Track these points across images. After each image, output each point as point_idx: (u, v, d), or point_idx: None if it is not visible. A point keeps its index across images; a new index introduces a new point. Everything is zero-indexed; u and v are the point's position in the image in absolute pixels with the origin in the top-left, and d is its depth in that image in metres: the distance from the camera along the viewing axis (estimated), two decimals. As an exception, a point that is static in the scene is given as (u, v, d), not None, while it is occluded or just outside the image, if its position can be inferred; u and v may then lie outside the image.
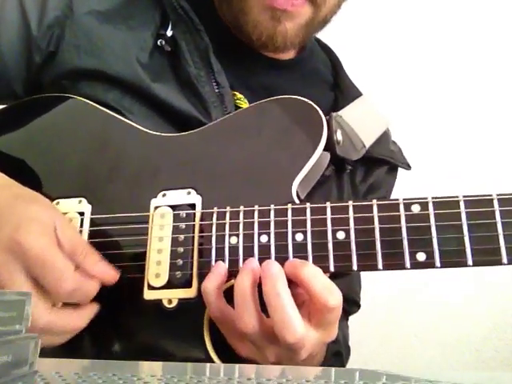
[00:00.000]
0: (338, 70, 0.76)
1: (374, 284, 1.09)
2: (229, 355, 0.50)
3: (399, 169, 0.75)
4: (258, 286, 0.47)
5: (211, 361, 0.50)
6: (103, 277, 0.50)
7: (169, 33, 0.63)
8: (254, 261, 0.48)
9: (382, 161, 0.70)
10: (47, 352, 0.38)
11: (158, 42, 0.63)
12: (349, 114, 0.65)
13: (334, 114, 0.64)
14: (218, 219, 0.52)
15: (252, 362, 0.50)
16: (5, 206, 0.48)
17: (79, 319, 0.49)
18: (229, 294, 0.52)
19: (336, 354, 0.64)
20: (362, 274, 0.75)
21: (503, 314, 1.25)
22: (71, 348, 0.52)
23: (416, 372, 0.38)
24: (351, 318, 0.74)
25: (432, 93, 1.32)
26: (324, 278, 0.46)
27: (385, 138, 0.70)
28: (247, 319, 0.45)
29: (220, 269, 0.48)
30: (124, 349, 0.53)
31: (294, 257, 0.48)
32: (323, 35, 0.74)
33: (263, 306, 0.46)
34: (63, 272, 0.46)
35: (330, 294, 0.45)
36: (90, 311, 0.50)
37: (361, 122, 0.65)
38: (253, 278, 0.46)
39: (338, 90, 0.73)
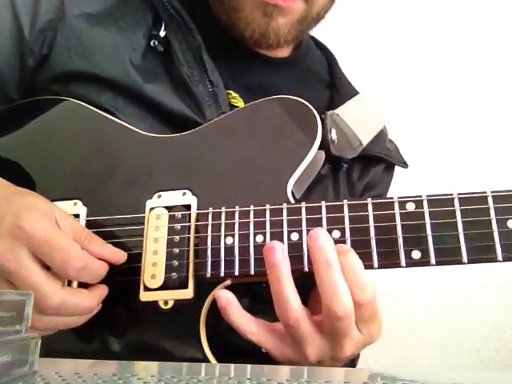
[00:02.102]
0: (333, 68, 0.76)
1: (373, 284, 1.09)
2: (224, 355, 0.50)
3: (395, 167, 0.75)
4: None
5: (208, 361, 0.50)
6: (112, 257, 0.51)
7: (161, 33, 0.63)
8: (277, 248, 0.46)
9: (379, 159, 0.70)
10: (47, 352, 0.38)
11: (151, 43, 0.63)
12: (346, 111, 0.65)
13: (330, 111, 0.64)
14: (213, 220, 0.52)
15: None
16: (2, 200, 0.48)
17: (91, 298, 0.49)
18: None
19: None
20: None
21: (503, 314, 1.25)
22: (71, 348, 0.52)
23: (416, 372, 0.38)
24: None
25: (428, 91, 1.32)
26: (361, 272, 0.45)
27: (381, 136, 0.70)
28: (290, 312, 0.45)
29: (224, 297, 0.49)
30: (122, 349, 0.53)
31: (289, 256, 0.48)
32: (319, 33, 0.74)
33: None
34: (70, 250, 0.46)
35: (361, 290, 0.45)
36: (101, 292, 0.51)
37: (358, 120, 0.65)
38: (285, 265, 0.46)
39: (334, 88, 0.73)
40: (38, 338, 0.34)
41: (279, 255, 0.46)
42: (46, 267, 0.47)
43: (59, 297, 0.46)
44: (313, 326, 0.46)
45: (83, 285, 0.50)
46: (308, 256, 0.48)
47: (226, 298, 0.48)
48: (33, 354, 0.34)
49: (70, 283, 0.50)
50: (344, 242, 0.47)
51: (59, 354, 0.44)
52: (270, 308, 0.47)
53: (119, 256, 0.52)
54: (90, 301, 0.49)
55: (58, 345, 0.49)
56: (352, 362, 0.65)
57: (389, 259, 0.46)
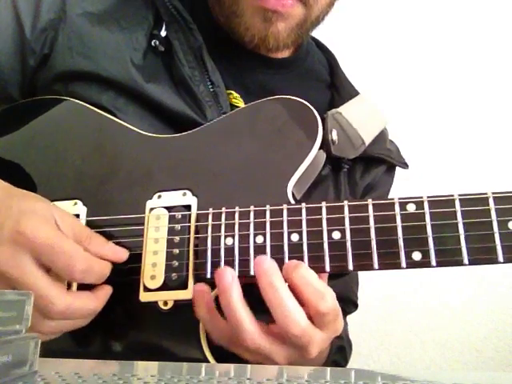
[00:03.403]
0: (334, 69, 0.76)
1: (373, 284, 1.09)
2: (225, 355, 0.50)
3: (396, 168, 0.75)
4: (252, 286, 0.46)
5: (207, 361, 0.50)
6: (114, 256, 0.51)
7: (162, 33, 0.63)
8: (227, 273, 0.47)
9: (380, 160, 0.70)
10: (47, 352, 0.38)
11: (152, 43, 0.63)
12: (348, 110, 0.65)
13: (332, 110, 0.64)
14: (213, 220, 0.52)
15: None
16: (1, 206, 0.48)
17: (96, 300, 0.49)
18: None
19: (340, 348, 0.64)
20: (361, 273, 0.75)
21: (503, 314, 1.25)
22: (71, 348, 0.52)
23: (416, 372, 0.38)
24: (351, 318, 0.74)
25: (428, 92, 1.32)
26: (316, 282, 0.46)
27: (382, 137, 0.70)
28: (246, 335, 0.45)
29: (200, 290, 0.49)
30: (122, 349, 0.53)
31: (289, 257, 0.48)
32: (319, 34, 0.74)
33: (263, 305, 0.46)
34: (73, 253, 0.46)
35: (321, 299, 0.45)
36: (106, 292, 0.51)
37: (360, 119, 0.65)
38: (235, 290, 0.46)
39: (335, 89, 0.73)
40: (38, 338, 0.34)
41: (228, 279, 0.46)
42: (48, 271, 0.47)
43: (65, 302, 0.46)
44: (272, 341, 0.46)
45: (85, 285, 0.50)
46: (308, 257, 0.48)
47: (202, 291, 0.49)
48: (33, 354, 0.34)
49: (69, 284, 0.50)
50: (344, 243, 0.47)
51: (59, 354, 0.44)
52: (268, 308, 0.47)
53: (121, 254, 0.52)
54: (95, 303, 0.49)
55: (58, 345, 0.49)
56: (343, 355, 0.66)
57: (389, 260, 0.46)
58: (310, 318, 0.46)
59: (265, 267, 0.46)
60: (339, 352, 0.64)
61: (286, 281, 0.46)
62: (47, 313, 0.45)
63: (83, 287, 0.50)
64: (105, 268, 0.50)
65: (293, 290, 0.46)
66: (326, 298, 0.45)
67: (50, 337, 0.48)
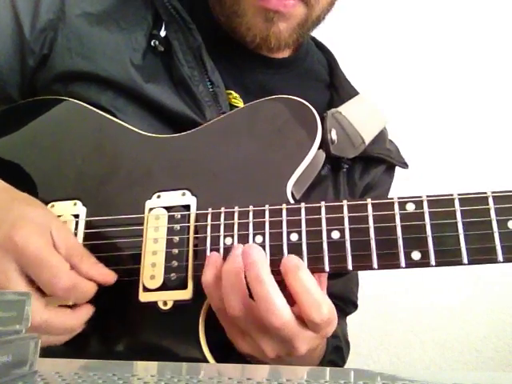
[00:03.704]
0: (334, 69, 0.76)
1: (373, 284, 1.09)
2: (224, 355, 0.50)
3: (396, 168, 0.75)
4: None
5: (206, 361, 0.50)
6: (101, 278, 0.50)
7: (162, 33, 0.63)
8: (254, 247, 0.47)
9: (380, 159, 0.70)
10: (47, 352, 0.38)
11: (152, 43, 0.63)
12: (347, 110, 0.65)
13: (332, 110, 0.64)
14: (212, 220, 0.52)
15: (253, 361, 0.50)
16: (2, 208, 0.48)
17: (75, 319, 0.49)
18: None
19: (336, 348, 0.64)
20: (361, 273, 0.75)
21: (503, 314, 1.25)
22: (71, 348, 0.52)
23: (416, 372, 0.38)
24: (350, 318, 0.74)
25: (428, 92, 1.32)
26: (315, 289, 0.45)
27: (382, 136, 0.70)
28: (234, 302, 0.45)
29: (213, 258, 0.48)
30: (121, 349, 0.53)
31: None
32: (319, 34, 0.74)
33: None
34: (58, 270, 0.46)
35: (317, 310, 0.44)
36: (86, 312, 0.50)
37: (359, 119, 0.65)
38: (239, 262, 0.46)
39: (334, 89, 0.73)
40: (38, 338, 0.34)
41: (257, 254, 0.46)
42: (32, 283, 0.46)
43: (41, 317, 0.46)
44: (259, 328, 0.46)
45: None
46: (308, 257, 0.47)
47: None
48: (33, 354, 0.34)
49: None
50: (343, 242, 0.47)
51: (59, 354, 0.44)
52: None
53: (109, 278, 0.51)
54: (74, 321, 0.49)
55: (58, 345, 0.49)
56: (340, 355, 0.65)
57: (388, 260, 0.46)
58: (298, 315, 0.46)
59: (254, 258, 0.45)
60: (335, 352, 0.64)
61: (283, 278, 0.46)
62: None
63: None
64: (90, 289, 0.49)
65: (288, 290, 0.45)
66: (322, 308, 0.45)
67: None
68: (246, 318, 0.46)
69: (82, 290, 0.49)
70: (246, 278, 0.46)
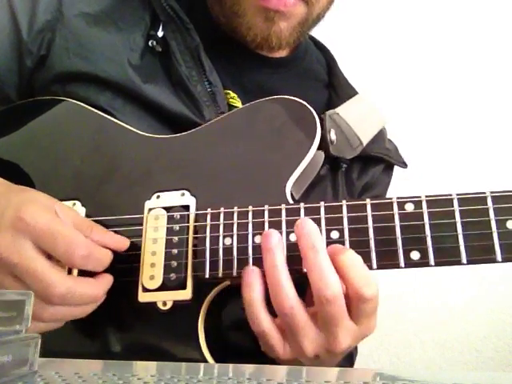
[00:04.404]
0: (333, 68, 0.76)
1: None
2: (223, 355, 0.50)
3: (394, 167, 0.75)
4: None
5: (206, 361, 0.49)
6: (115, 244, 0.51)
7: (160, 33, 0.63)
8: (274, 234, 0.47)
9: (378, 159, 0.70)
10: (47, 352, 0.38)
11: (149, 43, 0.63)
12: (346, 111, 0.65)
13: (330, 111, 0.64)
14: (211, 220, 0.52)
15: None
16: (1, 197, 0.48)
17: (97, 287, 0.49)
18: (223, 297, 0.51)
19: (348, 355, 0.64)
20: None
21: (503, 314, 1.25)
22: (71, 348, 0.52)
23: (416, 372, 0.38)
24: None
25: (427, 91, 1.32)
26: (363, 267, 0.45)
27: (381, 136, 0.70)
28: (284, 298, 0.45)
29: (256, 278, 0.47)
30: (121, 350, 0.53)
31: (287, 257, 0.48)
32: (319, 33, 0.74)
33: None
34: (73, 238, 0.46)
35: (367, 285, 0.44)
36: (107, 280, 0.51)
37: (358, 119, 0.65)
38: (281, 251, 0.46)
39: (333, 88, 0.73)
40: (38, 337, 0.34)
41: (275, 241, 0.46)
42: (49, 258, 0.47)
43: (65, 285, 0.46)
44: (308, 316, 0.46)
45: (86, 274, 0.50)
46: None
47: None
48: (33, 354, 0.34)
49: (69, 273, 0.50)
50: (343, 242, 0.47)
51: (59, 354, 0.44)
52: (269, 309, 0.47)
53: (122, 243, 0.52)
54: (97, 289, 0.49)
55: (58, 345, 0.49)
56: (350, 361, 0.65)
57: (388, 260, 0.46)
58: (347, 307, 0.45)
59: (308, 229, 0.45)
60: (348, 358, 0.63)
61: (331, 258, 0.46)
62: (48, 296, 0.45)
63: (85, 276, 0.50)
64: (105, 255, 0.50)
65: (338, 272, 0.45)
66: (371, 283, 0.45)
67: (50, 326, 0.48)
68: (297, 313, 0.45)
69: (99, 257, 0.49)
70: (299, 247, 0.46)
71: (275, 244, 0.46)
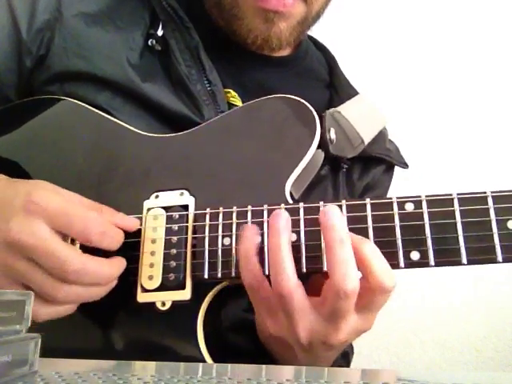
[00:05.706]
0: (333, 68, 0.76)
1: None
2: (222, 355, 0.50)
3: (395, 168, 0.75)
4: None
5: (205, 361, 0.49)
6: (125, 224, 0.51)
7: (159, 32, 0.63)
8: (283, 215, 0.46)
9: (379, 159, 0.70)
10: (47, 352, 0.38)
11: (149, 42, 0.63)
12: (347, 109, 0.65)
13: (331, 109, 0.64)
14: (210, 220, 0.51)
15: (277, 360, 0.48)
16: (8, 188, 0.49)
17: (110, 267, 0.49)
18: (222, 297, 0.51)
19: (344, 354, 0.64)
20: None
21: (503, 314, 1.25)
22: (71, 348, 0.52)
23: (416, 372, 0.38)
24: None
25: (428, 91, 1.32)
26: (384, 259, 0.45)
27: (381, 136, 0.70)
28: (284, 278, 0.44)
29: (251, 231, 0.47)
30: (120, 350, 0.53)
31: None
32: (318, 33, 0.74)
33: None
34: (88, 217, 0.47)
35: (389, 276, 0.44)
36: (120, 261, 0.51)
37: (359, 118, 0.65)
38: (287, 233, 0.45)
39: (334, 88, 0.73)
40: (38, 337, 0.34)
41: (283, 222, 0.45)
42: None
43: (80, 261, 0.46)
44: (307, 300, 0.45)
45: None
46: (306, 257, 0.47)
47: None
48: (33, 354, 0.34)
49: None
50: (343, 242, 0.47)
51: (59, 354, 0.44)
52: None
53: (132, 224, 0.52)
54: (110, 268, 0.49)
55: (58, 345, 0.48)
56: (346, 360, 0.65)
57: (387, 260, 0.45)
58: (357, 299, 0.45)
59: (335, 220, 0.44)
60: (344, 357, 0.64)
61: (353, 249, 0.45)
62: (63, 273, 0.45)
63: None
64: (118, 234, 0.50)
65: (359, 261, 0.44)
66: (392, 274, 0.44)
67: (64, 310, 0.48)
68: (294, 288, 0.44)
69: (112, 235, 0.49)
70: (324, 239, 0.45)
71: (283, 225, 0.45)
